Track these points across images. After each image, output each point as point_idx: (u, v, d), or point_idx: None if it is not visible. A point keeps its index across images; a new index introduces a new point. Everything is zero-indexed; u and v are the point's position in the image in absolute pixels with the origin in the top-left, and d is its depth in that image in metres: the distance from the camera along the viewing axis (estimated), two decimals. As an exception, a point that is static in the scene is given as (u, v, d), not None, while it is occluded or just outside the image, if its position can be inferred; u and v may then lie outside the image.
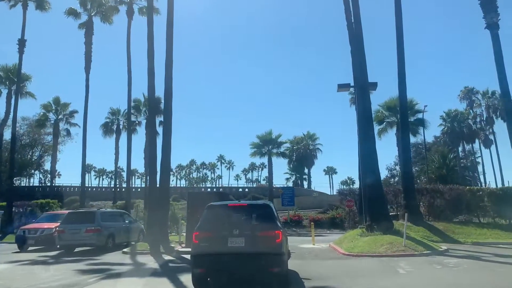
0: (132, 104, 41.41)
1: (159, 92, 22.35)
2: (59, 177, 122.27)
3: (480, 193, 21.97)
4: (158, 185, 19.63)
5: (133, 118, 44.77)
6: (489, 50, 22.01)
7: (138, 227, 21.25)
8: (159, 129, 31.33)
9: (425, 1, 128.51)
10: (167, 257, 15.65)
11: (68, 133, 46.85)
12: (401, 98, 22.04)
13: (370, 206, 17.93)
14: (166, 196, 19.84)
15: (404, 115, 22.53)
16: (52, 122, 44.88)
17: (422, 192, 22.73)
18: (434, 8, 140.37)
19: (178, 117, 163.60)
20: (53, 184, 52.22)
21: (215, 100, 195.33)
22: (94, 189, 62.82)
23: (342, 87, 20.72)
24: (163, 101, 22.84)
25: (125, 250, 17.34)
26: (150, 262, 14.27)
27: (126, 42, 29.12)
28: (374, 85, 19.91)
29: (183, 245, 18.82)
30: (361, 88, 18.82)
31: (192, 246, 8.91)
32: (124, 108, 45.77)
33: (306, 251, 17.11)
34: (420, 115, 37.90)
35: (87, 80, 30.94)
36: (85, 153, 32.39)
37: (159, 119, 34.77)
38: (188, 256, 15.38)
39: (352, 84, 20.89)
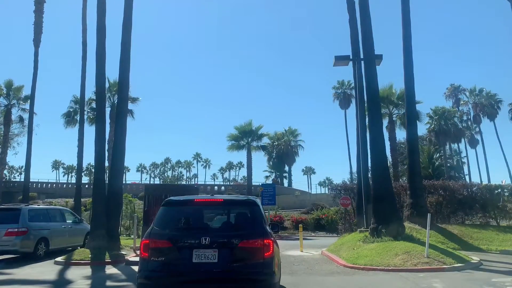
0: (94, 89, 36.60)
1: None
2: (22, 173, 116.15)
3: (499, 190, 18.69)
4: (108, 176, 15.55)
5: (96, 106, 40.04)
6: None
7: (85, 228, 16.98)
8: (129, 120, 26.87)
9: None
10: (110, 270, 11.63)
11: (21, 120, 41.52)
12: (407, 85, 18.19)
13: (377, 205, 14.28)
14: (118, 191, 15.71)
15: (411, 104, 18.83)
16: (3, 108, 39.72)
17: (429, 189, 19.27)
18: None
19: (153, 112, 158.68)
20: (4, 179, 46.87)
21: (192, 96, 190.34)
22: (54, 185, 57.61)
23: (340, 59, 17.06)
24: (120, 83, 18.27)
25: (58, 259, 13.13)
26: (81, 278, 10.20)
27: (82, 4, 24.24)
28: (379, 58, 16.27)
29: (138, 252, 14.78)
30: (367, 59, 15.17)
31: (140, 262, 6.06)
32: (89, 96, 41.03)
33: (294, 260, 13.56)
34: (416, 107, 34.68)
35: (36, 54, 26.32)
36: (30, 139, 27.83)
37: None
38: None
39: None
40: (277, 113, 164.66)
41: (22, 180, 43.82)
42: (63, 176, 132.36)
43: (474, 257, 12.33)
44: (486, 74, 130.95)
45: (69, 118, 47.82)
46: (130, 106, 40.30)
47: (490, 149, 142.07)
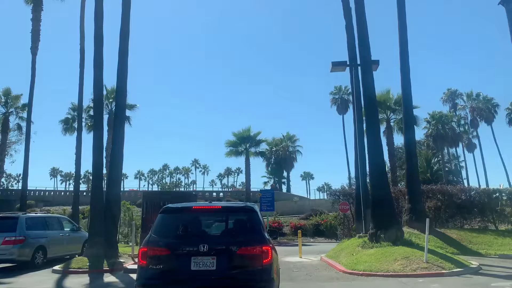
0: (92, 96, 36.64)
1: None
2: (20, 181, 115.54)
3: (497, 194, 18.71)
4: (106, 183, 15.50)
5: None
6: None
7: (82, 236, 16.89)
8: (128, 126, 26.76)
9: None
10: (108, 278, 11.57)
11: (19, 128, 41.43)
12: (404, 90, 18.16)
13: (375, 210, 14.27)
14: (116, 198, 15.64)
15: (408, 109, 18.88)
16: (1, 116, 39.63)
17: (428, 194, 19.30)
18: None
19: (151, 119, 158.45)
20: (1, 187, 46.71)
21: (190, 102, 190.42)
22: (52, 193, 57.31)
23: (337, 65, 17.17)
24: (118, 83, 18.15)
25: (56, 267, 13.05)
26: (79, 287, 10.17)
27: (80, 12, 24.39)
28: (376, 63, 16.42)
29: (136, 259, 14.71)
30: (364, 65, 15.22)
31: (138, 270, 6.02)
32: (87, 103, 40.91)
33: (293, 266, 13.52)
34: (414, 112, 34.72)
35: (33, 62, 26.37)
36: (28, 147, 27.77)
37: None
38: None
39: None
40: (275, 119, 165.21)
41: (20, 188, 43.82)
42: (61, 183, 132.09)
43: (473, 262, 12.31)
44: (483, 78, 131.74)
45: (67, 125, 47.70)
46: (128, 113, 40.22)
47: (488, 153, 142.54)
